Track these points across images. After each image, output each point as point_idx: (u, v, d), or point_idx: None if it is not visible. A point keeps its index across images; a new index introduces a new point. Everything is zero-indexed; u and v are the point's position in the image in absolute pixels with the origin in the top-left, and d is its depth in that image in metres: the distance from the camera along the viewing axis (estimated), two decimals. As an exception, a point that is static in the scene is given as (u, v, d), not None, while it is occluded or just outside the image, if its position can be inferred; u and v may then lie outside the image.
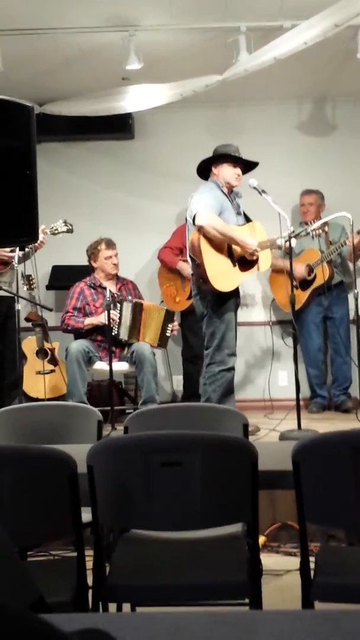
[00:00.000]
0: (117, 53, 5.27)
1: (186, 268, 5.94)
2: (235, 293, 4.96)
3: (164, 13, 4.97)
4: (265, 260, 5.07)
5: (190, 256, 4.93)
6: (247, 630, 1.43)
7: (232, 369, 4.95)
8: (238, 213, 5.04)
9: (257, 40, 5.15)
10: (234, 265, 4.91)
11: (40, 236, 5.08)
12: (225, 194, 4.95)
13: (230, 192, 5.01)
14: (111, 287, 5.81)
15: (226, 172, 4.97)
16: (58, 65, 5.70)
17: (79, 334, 5.75)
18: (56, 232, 5.30)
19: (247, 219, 5.11)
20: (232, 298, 4.93)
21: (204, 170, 5.08)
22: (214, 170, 5.01)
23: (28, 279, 5.26)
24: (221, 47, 5.30)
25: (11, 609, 1.00)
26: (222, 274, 4.81)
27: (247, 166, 5.07)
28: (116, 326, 5.57)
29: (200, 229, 4.74)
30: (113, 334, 5.52)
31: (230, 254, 4.89)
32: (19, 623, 0.99)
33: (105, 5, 4.78)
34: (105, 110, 5.91)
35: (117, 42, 5.22)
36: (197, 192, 4.93)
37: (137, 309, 5.69)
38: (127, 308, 5.65)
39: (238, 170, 5.00)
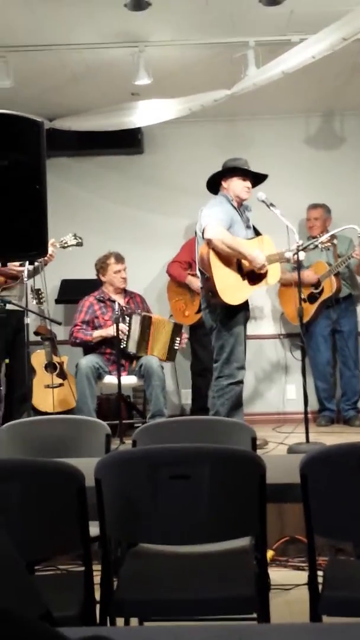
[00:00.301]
0: (126, 68, 5.31)
1: (195, 282, 5.95)
2: (245, 306, 4.97)
3: (173, 29, 5.01)
4: (274, 274, 5.08)
5: (199, 270, 4.94)
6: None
7: (240, 382, 4.95)
8: (247, 226, 5.05)
9: (265, 54, 5.18)
10: (243, 279, 4.92)
11: (50, 250, 5.10)
12: (235, 208, 4.97)
13: (240, 206, 5.03)
14: (120, 300, 5.83)
15: (236, 186, 4.99)
16: (67, 81, 5.74)
17: (87, 347, 5.76)
18: (66, 245, 5.32)
19: (257, 232, 5.12)
20: (242, 311, 4.94)
21: (214, 185, 5.10)
22: (224, 184, 5.02)
23: (37, 292, 5.28)
24: (229, 62, 5.33)
25: (16, 615, 1.00)
26: (231, 287, 4.82)
27: (256, 179, 5.08)
28: (125, 339, 5.57)
29: (209, 243, 4.75)
30: (122, 346, 5.53)
31: (239, 268, 4.91)
32: (24, 629, 0.99)
33: (114, 21, 4.82)
34: (115, 126, 5.95)
35: (126, 58, 5.26)
36: (206, 206, 4.95)
37: (146, 322, 5.69)
38: (136, 321, 5.66)
39: (248, 184, 5.01)
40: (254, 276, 4.96)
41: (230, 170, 5.03)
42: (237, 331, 4.90)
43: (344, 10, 4.56)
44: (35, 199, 2.61)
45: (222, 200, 4.96)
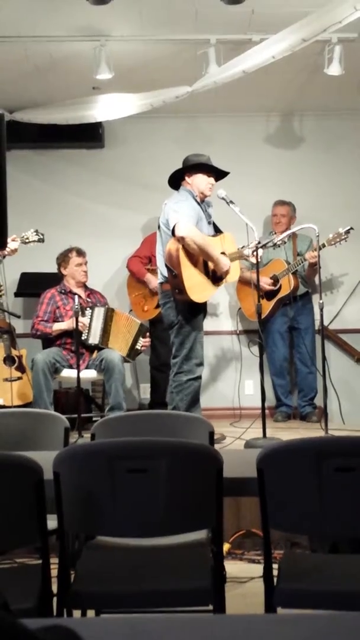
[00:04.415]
0: (88, 62, 5.30)
1: (153, 281, 5.96)
2: (205, 303, 5.00)
3: (135, 24, 5.01)
4: (234, 272, 5.12)
5: (166, 265, 4.90)
6: (208, 633, 1.45)
7: (199, 378, 4.98)
8: (209, 223, 5.07)
9: (227, 52, 5.21)
10: (208, 277, 4.94)
11: (14, 244, 5.08)
12: (199, 203, 4.98)
13: (202, 202, 5.04)
14: (81, 294, 5.84)
15: (200, 182, 4.98)
16: (29, 73, 5.70)
17: (47, 339, 5.75)
18: (27, 241, 5.30)
19: (216, 229, 5.15)
20: (202, 308, 4.97)
21: (175, 180, 5.09)
22: (188, 179, 5.00)
23: (-4, 286, 5.24)
24: (191, 59, 5.35)
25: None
26: (198, 285, 4.83)
27: (217, 176, 5.10)
28: (85, 331, 5.59)
29: (180, 240, 4.74)
30: (83, 338, 5.54)
31: (205, 266, 4.92)
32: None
33: (77, 15, 4.81)
34: (76, 119, 5.92)
35: (88, 52, 5.25)
36: (171, 200, 4.93)
37: (109, 314, 5.72)
38: (99, 313, 5.69)
39: (212, 180, 5.01)
40: (216, 275, 5.00)
41: (196, 166, 5.02)
42: (198, 327, 4.92)
43: (304, 11, 4.62)
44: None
45: (187, 196, 4.94)
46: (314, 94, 6.25)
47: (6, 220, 2.67)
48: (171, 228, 4.76)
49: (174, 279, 4.80)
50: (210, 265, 4.93)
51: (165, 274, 4.88)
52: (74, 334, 5.52)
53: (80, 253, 5.90)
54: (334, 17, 4.46)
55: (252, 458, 2.40)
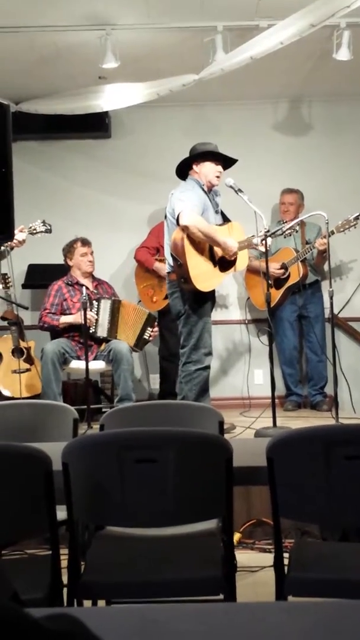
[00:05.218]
0: (94, 52, 5.27)
1: (163, 269, 5.94)
2: (212, 292, 4.98)
3: (141, 12, 4.98)
4: (243, 260, 5.10)
5: (172, 255, 4.89)
6: (219, 622, 1.44)
7: (208, 367, 4.97)
8: (216, 212, 5.05)
9: (234, 39, 5.17)
10: (215, 266, 4.92)
11: (22, 235, 5.07)
12: (206, 193, 4.95)
13: (210, 191, 5.01)
14: (88, 285, 5.83)
15: (208, 170, 4.95)
16: (34, 64, 5.68)
17: (55, 332, 5.74)
18: (34, 232, 5.29)
19: (225, 218, 5.12)
20: (210, 297, 4.95)
21: (182, 169, 5.07)
22: (195, 168, 4.98)
23: (4, 277, 5.24)
24: (198, 47, 5.31)
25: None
26: (204, 274, 4.82)
27: (226, 164, 5.07)
28: (93, 325, 5.58)
29: (184, 229, 4.72)
30: (90, 331, 5.53)
31: (211, 255, 4.90)
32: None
33: (82, 4, 4.78)
34: (82, 109, 5.90)
35: (93, 41, 5.22)
36: (178, 190, 4.91)
37: (116, 306, 5.71)
38: (106, 305, 5.67)
39: (219, 168, 4.98)
40: (224, 263, 4.98)
41: (203, 155, 4.99)
42: (205, 317, 4.91)
43: (311, -4, 4.58)
44: (1, 183, 2.60)
45: (194, 185, 4.92)
46: (322, 79, 6.20)
47: (13, 212, 2.66)
48: (176, 217, 4.75)
49: (180, 268, 4.79)
50: (218, 252, 4.91)
51: (172, 263, 4.87)
52: (81, 327, 5.51)
53: (85, 243, 5.88)
54: (342, 2, 4.42)
55: (262, 447, 2.40)
